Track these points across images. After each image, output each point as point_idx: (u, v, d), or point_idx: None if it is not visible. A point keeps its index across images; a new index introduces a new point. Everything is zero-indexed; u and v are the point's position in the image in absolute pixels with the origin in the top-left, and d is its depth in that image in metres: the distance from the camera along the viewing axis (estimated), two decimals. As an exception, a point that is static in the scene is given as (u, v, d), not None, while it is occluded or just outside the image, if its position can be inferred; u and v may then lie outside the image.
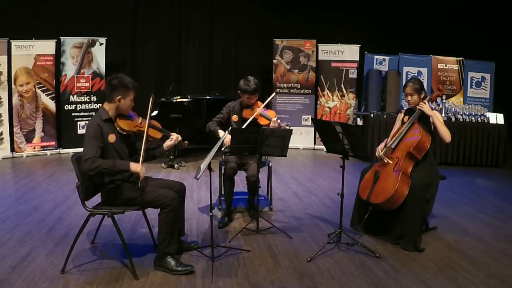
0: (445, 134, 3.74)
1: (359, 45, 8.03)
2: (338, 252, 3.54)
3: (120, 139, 3.18)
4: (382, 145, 3.94)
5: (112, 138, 3.11)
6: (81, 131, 7.44)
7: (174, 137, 3.35)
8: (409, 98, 3.87)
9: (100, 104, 7.47)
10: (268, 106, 4.38)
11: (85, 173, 3.00)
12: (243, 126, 4.11)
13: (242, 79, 4.28)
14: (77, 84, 7.43)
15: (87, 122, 7.44)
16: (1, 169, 6.26)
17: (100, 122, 3.09)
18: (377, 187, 3.65)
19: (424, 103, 3.82)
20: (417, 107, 3.82)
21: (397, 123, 4.09)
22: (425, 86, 4.07)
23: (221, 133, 4.19)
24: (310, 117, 8.14)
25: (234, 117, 4.35)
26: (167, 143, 3.36)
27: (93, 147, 2.99)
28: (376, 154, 3.87)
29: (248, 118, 4.20)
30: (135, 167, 3.07)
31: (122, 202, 3.14)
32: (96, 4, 8.01)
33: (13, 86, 6.90)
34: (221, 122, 4.36)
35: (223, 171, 4.25)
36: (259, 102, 4.33)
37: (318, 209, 4.66)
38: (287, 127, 4.16)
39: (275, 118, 4.18)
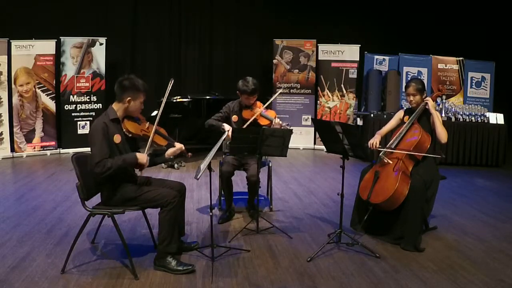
0: (442, 134, 3.74)
1: (359, 45, 8.03)
2: (338, 252, 3.54)
3: (125, 140, 3.18)
4: (376, 140, 3.91)
5: (117, 138, 3.11)
6: (81, 131, 7.45)
7: (178, 146, 3.33)
8: (411, 98, 3.88)
9: (100, 105, 7.53)
10: (268, 105, 4.38)
11: (97, 175, 3.00)
12: (244, 127, 4.11)
13: (240, 80, 4.28)
14: (77, 84, 7.43)
15: (87, 122, 7.46)
16: (1, 169, 6.26)
17: (107, 121, 3.09)
18: (377, 187, 3.65)
19: (431, 98, 3.84)
20: (424, 100, 3.83)
21: (394, 120, 4.09)
22: (425, 86, 4.09)
23: (226, 126, 4.18)
24: (310, 117, 8.14)
25: (234, 117, 4.35)
26: (170, 151, 3.32)
27: (102, 149, 2.98)
28: (369, 144, 3.87)
29: (248, 119, 4.20)
30: (141, 157, 3.09)
31: (122, 202, 3.13)
32: (96, 4, 8.01)
33: (13, 86, 6.90)
34: (220, 121, 4.35)
35: (219, 173, 4.25)
36: (258, 103, 4.33)
37: (318, 209, 4.66)
38: (288, 127, 4.16)
39: (277, 120, 4.17)
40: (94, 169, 2.96)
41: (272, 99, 4.30)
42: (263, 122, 4.23)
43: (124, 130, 3.17)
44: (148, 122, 3.32)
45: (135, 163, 3.09)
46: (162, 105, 3.40)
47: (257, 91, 4.26)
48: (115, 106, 3.18)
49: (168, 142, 3.34)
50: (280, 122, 4.15)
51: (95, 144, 2.99)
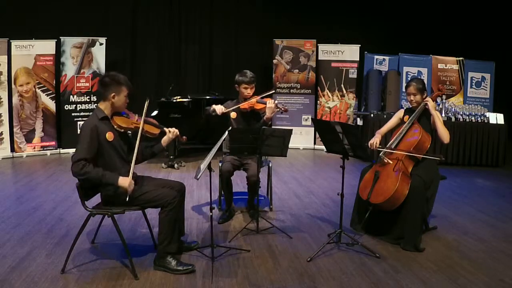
0: (444, 135, 3.75)
1: (359, 45, 8.02)
2: (338, 252, 3.54)
3: (118, 136, 3.18)
4: (376, 140, 3.92)
5: (110, 136, 3.10)
6: (81, 131, 7.44)
7: (172, 130, 3.34)
8: (411, 97, 3.89)
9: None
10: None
11: (72, 174, 2.97)
12: (234, 106, 4.14)
13: (237, 73, 4.32)
14: (77, 84, 7.43)
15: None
16: (1, 169, 6.25)
17: (96, 122, 3.08)
18: (377, 187, 3.65)
19: (431, 98, 3.85)
20: (424, 100, 3.83)
21: (394, 119, 4.10)
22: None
23: (214, 106, 4.20)
24: (310, 117, 8.13)
25: (233, 114, 4.35)
26: (165, 138, 3.35)
27: (85, 148, 2.97)
28: (369, 144, 3.87)
29: (246, 110, 4.23)
30: (123, 182, 3.02)
31: (122, 202, 3.13)
32: (96, 4, 8.01)
33: (13, 86, 6.89)
34: None
35: (219, 173, 4.25)
36: (255, 96, 4.33)
37: (318, 209, 4.66)
38: (284, 107, 4.19)
39: (271, 100, 4.18)
40: (71, 167, 2.95)
41: (267, 94, 4.30)
42: (259, 107, 4.25)
43: (115, 126, 3.16)
44: (136, 115, 3.31)
45: (114, 185, 3.02)
46: (147, 101, 3.32)
47: (255, 81, 4.28)
48: (101, 105, 3.17)
49: (160, 130, 3.33)
50: (276, 102, 4.16)
51: (80, 143, 3.00)
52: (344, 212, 3.65)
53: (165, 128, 3.36)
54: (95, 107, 7.31)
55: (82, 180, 3.02)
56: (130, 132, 3.28)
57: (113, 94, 3.12)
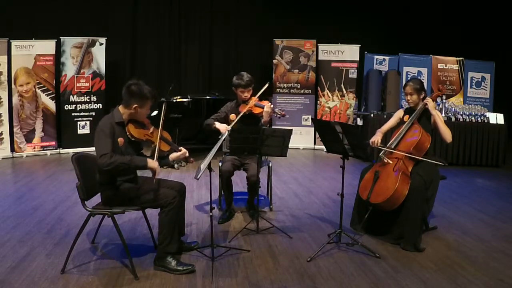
0: (447, 134, 3.75)
1: (359, 45, 8.02)
2: (338, 252, 3.54)
3: (127, 143, 3.18)
4: (378, 138, 3.92)
5: (120, 141, 3.11)
6: (81, 131, 7.45)
7: (182, 151, 3.33)
8: (408, 97, 3.90)
9: (100, 105, 7.53)
10: (263, 98, 4.41)
11: (101, 168, 2.96)
12: (237, 118, 4.14)
13: (235, 76, 4.32)
14: (77, 84, 7.43)
15: (87, 122, 7.46)
16: (1, 169, 6.25)
17: (113, 122, 3.10)
18: (377, 187, 3.65)
19: (431, 98, 3.85)
20: (424, 100, 3.84)
21: (394, 118, 4.11)
22: (425, 86, 4.09)
23: (218, 124, 4.21)
24: (310, 117, 8.13)
25: (232, 116, 4.35)
26: (173, 155, 3.32)
27: (108, 143, 2.98)
28: (370, 142, 3.88)
29: (244, 113, 4.22)
30: (152, 163, 3.07)
31: (122, 202, 3.13)
32: (96, 4, 8.01)
33: (13, 86, 6.89)
34: (218, 120, 4.36)
35: (219, 173, 4.25)
36: (253, 97, 4.34)
37: (318, 209, 4.66)
38: (281, 112, 4.20)
39: (268, 104, 4.20)
40: (99, 161, 2.94)
41: (263, 89, 4.30)
42: (257, 111, 4.26)
43: (128, 133, 3.17)
44: (152, 127, 3.30)
45: (144, 167, 3.07)
46: (163, 112, 3.35)
47: (252, 84, 4.29)
48: (121, 109, 3.17)
49: (171, 147, 3.34)
50: (271, 106, 4.18)
51: (102, 139, 2.99)
52: (344, 212, 3.65)
53: (176, 147, 3.35)
54: (99, 107, 7.42)
55: (111, 170, 2.97)
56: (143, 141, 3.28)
57: (136, 105, 3.12)
